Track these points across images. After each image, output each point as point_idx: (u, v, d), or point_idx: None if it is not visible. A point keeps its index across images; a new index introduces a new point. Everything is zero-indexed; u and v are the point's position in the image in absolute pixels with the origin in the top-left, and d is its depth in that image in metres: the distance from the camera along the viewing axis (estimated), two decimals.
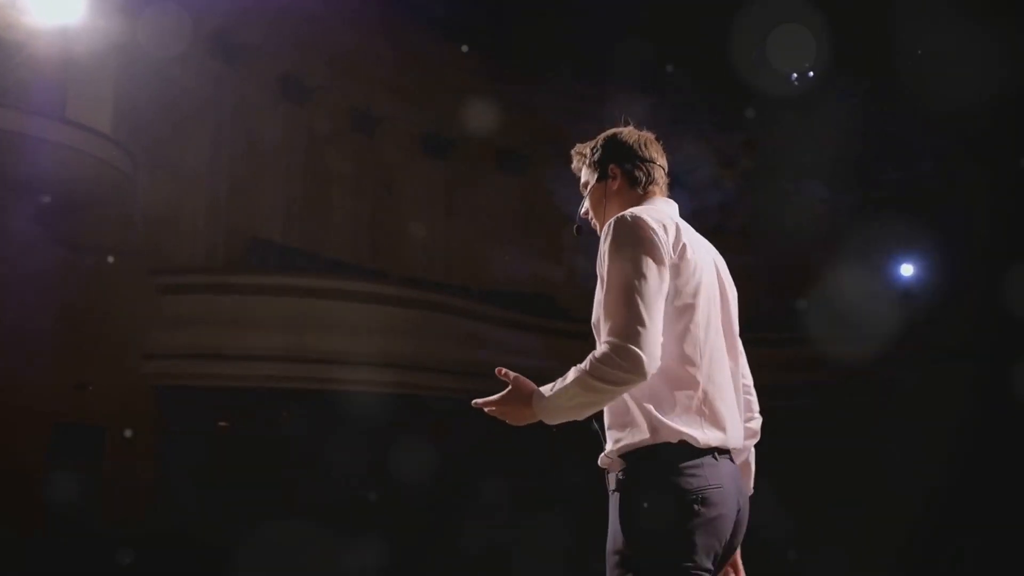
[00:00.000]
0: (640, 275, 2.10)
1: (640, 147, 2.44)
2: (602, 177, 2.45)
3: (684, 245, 2.19)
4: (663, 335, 2.10)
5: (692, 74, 12.28)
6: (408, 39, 13.58)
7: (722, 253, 2.43)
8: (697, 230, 2.34)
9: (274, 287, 10.84)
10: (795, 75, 11.16)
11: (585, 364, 2.07)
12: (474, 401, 2.27)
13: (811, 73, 11.16)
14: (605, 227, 2.22)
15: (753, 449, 2.42)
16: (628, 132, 2.48)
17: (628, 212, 2.21)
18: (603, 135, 2.49)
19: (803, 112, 12.13)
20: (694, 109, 12.53)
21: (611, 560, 2.16)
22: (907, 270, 13.60)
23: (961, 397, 10.34)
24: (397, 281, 12.02)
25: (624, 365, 2.02)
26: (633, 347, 2.02)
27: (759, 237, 13.54)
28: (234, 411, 11.36)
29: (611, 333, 2.07)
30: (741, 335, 2.37)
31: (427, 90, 14.11)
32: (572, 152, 2.53)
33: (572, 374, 2.09)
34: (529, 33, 13.25)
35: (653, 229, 2.16)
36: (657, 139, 2.51)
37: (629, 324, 2.05)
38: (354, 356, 11.12)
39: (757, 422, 2.43)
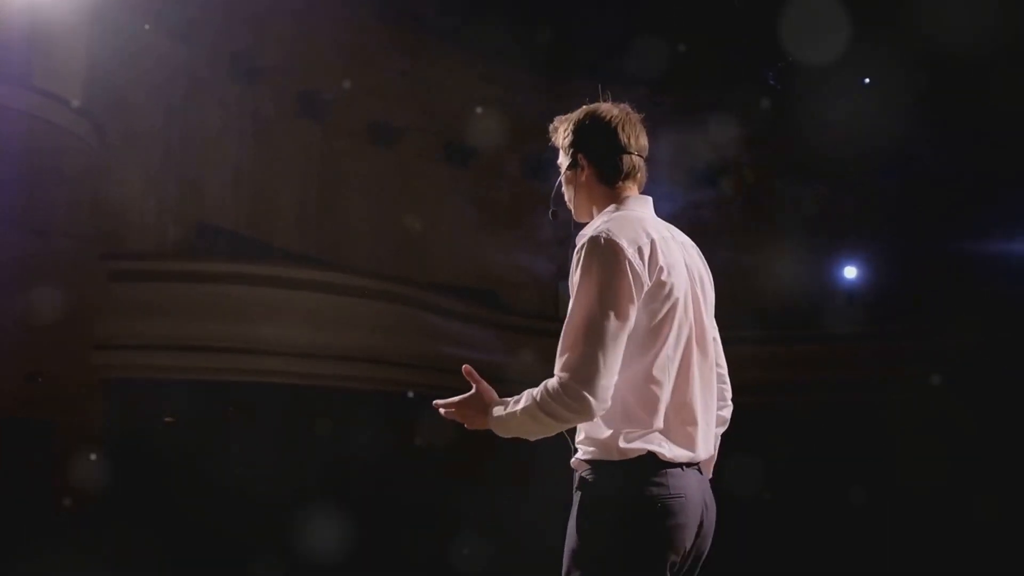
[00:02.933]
0: (606, 311, 2.07)
1: (617, 131, 2.32)
2: (572, 165, 2.37)
3: (660, 268, 2.16)
4: (633, 357, 2.12)
5: (701, 71, 12.37)
6: (353, 24, 13.30)
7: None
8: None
9: (234, 276, 10.39)
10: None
11: (536, 394, 2.10)
12: (435, 402, 2.31)
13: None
14: (579, 244, 2.18)
15: (720, 437, 2.42)
16: (604, 112, 2.35)
17: (603, 232, 2.14)
18: (579, 113, 2.38)
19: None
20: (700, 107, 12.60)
21: (566, 559, 2.16)
22: (850, 272, 13.77)
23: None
24: (368, 274, 11.68)
25: (573, 406, 2.05)
26: (585, 392, 2.04)
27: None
28: (184, 405, 10.87)
29: (566, 369, 2.07)
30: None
31: (376, 76, 13.84)
32: (551, 126, 2.43)
33: (524, 401, 2.13)
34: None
35: (629, 259, 2.10)
36: (641, 119, 2.38)
37: (585, 365, 2.05)
38: (313, 349, 10.84)
39: (728, 410, 2.44)
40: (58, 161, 8.66)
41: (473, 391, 2.28)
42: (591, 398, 2.04)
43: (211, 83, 11.75)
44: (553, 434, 2.19)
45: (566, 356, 2.09)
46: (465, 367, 2.30)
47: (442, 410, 2.31)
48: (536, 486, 7.58)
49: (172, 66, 10.84)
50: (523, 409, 2.13)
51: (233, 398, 10.96)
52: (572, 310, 2.13)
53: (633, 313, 2.11)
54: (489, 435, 2.32)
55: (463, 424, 2.30)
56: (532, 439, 2.22)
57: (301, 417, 11.13)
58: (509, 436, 2.23)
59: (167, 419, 11.18)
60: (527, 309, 14.34)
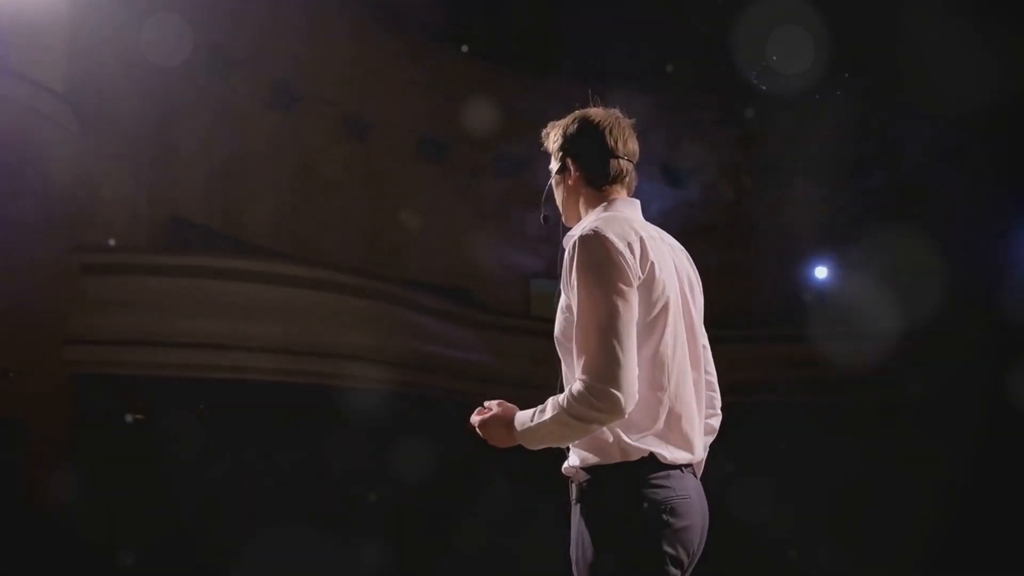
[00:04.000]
0: (612, 307, 2.07)
1: (605, 136, 2.33)
2: (561, 169, 2.38)
3: (651, 264, 2.15)
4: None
5: (692, 72, 12.36)
6: (325, 18, 13.13)
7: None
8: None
9: (210, 270, 10.14)
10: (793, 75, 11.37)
11: (563, 400, 2.08)
12: (471, 418, 2.31)
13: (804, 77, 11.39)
14: (570, 244, 2.17)
15: (707, 447, 2.40)
16: (593, 116, 2.36)
17: (593, 229, 2.14)
18: (570, 118, 2.39)
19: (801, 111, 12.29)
20: (693, 107, 12.59)
21: (580, 571, 2.14)
22: (821, 272, 13.77)
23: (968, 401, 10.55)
24: (345, 270, 11.48)
25: (601, 406, 2.03)
26: (612, 389, 2.02)
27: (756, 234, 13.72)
28: (154, 402, 10.59)
29: (587, 372, 2.06)
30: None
31: (349, 70, 13.68)
32: (543, 131, 2.44)
33: (550, 409, 2.11)
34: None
35: (620, 252, 2.10)
36: (632, 126, 2.39)
37: (606, 364, 2.04)
38: (289, 345, 10.63)
39: (717, 419, 2.43)
40: (32, 150, 8.37)
41: (493, 411, 2.26)
42: (618, 393, 2.02)
43: (186, 75, 11.47)
44: (585, 437, 2.14)
45: (584, 359, 2.07)
46: (483, 405, 2.31)
47: (474, 426, 2.31)
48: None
49: (148, 58, 10.55)
50: (552, 418, 2.10)
51: (207, 396, 10.71)
52: (579, 314, 2.10)
53: (635, 300, 2.10)
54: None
55: (488, 443, 2.29)
56: (562, 446, 2.21)
57: (276, 415, 10.91)
58: (539, 447, 2.20)
59: (136, 416, 10.93)
60: (500, 307, 14.26)
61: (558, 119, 2.44)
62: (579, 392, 2.05)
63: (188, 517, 9.74)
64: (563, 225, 2.42)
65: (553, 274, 2.27)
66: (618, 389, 2.02)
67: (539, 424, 2.13)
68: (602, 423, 2.07)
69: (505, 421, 2.22)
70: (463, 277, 14.53)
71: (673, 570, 2.09)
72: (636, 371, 2.07)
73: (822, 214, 13.60)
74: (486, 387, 12.04)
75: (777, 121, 13.03)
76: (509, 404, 2.27)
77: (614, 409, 2.03)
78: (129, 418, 10.22)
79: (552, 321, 2.27)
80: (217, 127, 12.23)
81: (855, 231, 12.87)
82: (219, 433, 10.33)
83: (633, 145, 2.37)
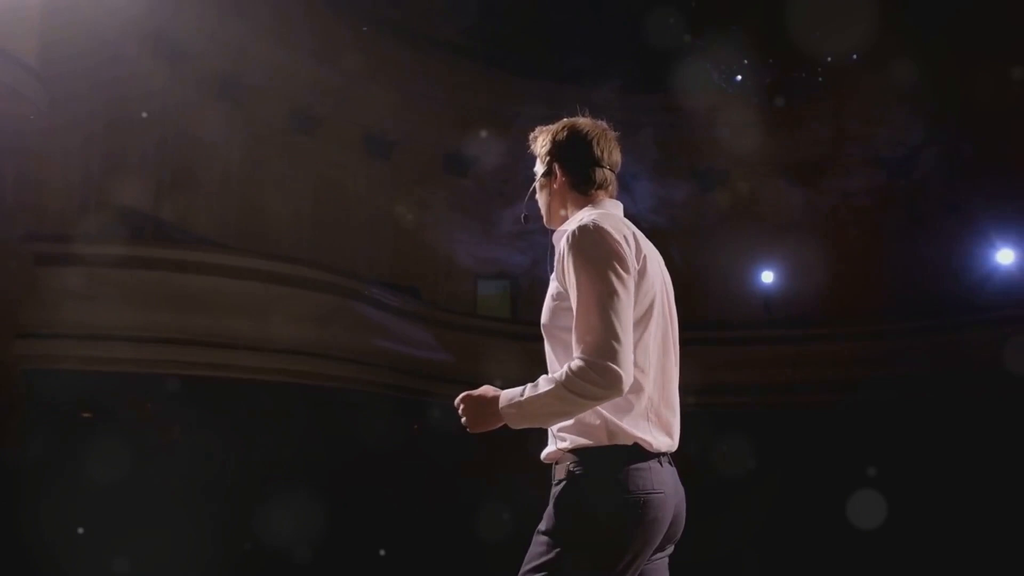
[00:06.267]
0: (612, 290, 2.13)
1: (592, 145, 2.43)
2: (547, 173, 2.48)
3: (645, 257, 2.26)
4: None
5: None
6: (279, 11, 12.84)
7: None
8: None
9: (170, 262, 9.79)
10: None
11: (561, 376, 2.11)
12: (456, 400, 2.31)
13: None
14: (566, 235, 2.23)
15: None
16: (582, 126, 2.46)
17: (589, 221, 2.22)
18: (558, 126, 2.49)
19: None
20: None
21: (539, 540, 2.20)
22: (767, 277, 13.91)
23: None
24: (314, 264, 11.23)
25: (602, 382, 2.07)
26: (612, 364, 2.07)
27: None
28: (103, 398, 10.18)
29: (588, 351, 2.10)
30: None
31: (298, 64, 13.38)
32: (530, 136, 2.53)
33: (544, 384, 2.14)
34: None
35: (618, 242, 2.19)
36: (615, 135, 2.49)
37: (606, 342, 2.08)
38: (243, 340, 10.36)
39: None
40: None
41: (475, 392, 2.27)
42: (620, 370, 2.06)
43: (136, 64, 11.07)
44: (578, 415, 2.17)
45: (587, 339, 2.10)
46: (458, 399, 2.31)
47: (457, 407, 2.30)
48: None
49: (98, 42, 10.13)
50: (549, 391, 2.11)
51: (159, 392, 10.35)
52: (580, 299, 2.14)
53: (632, 287, 2.17)
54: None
55: (468, 428, 2.29)
56: (549, 425, 2.23)
57: (229, 412, 10.63)
58: (525, 425, 2.20)
59: (84, 414, 10.49)
60: (447, 305, 14.17)
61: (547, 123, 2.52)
62: (579, 368, 2.08)
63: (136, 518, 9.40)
64: (543, 227, 2.50)
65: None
66: (618, 365, 2.06)
67: (532, 398, 2.15)
68: (600, 400, 2.10)
69: (488, 400, 2.24)
70: (409, 275, 14.39)
71: (630, 560, 2.15)
72: (632, 352, 2.12)
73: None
74: (431, 384, 12.05)
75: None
76: (487, 386, 2.28)
77: (614, 385, 2.07)
78: (81, 416, 9.83)
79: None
80: (166, 118, 11.84)
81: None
82: (179, 430, 10.03)
83: (617, 156, 2.46)
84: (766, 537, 10.02)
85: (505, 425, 2.24)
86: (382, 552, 10.44)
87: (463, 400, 2.29)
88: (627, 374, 2.08)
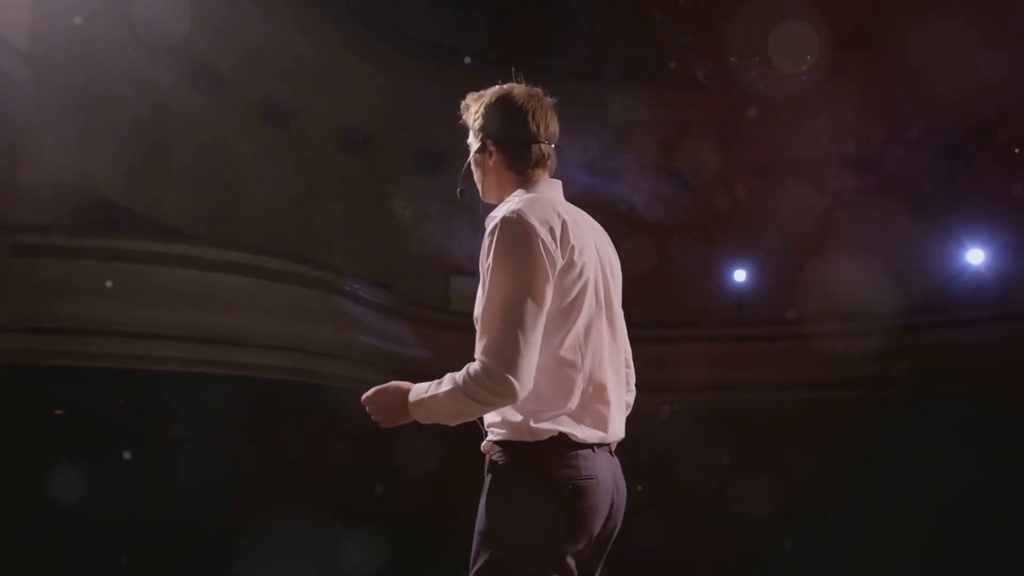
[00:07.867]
0: (524, 294, 2.07)
1: (527, 119, 2.30)
2: (481, 150, 2.36)
3: (572, 247, 2.16)
4: (545, 337, 2.12)
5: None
6: (256, 4, 12.63)
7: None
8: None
9: (149, 255, 9.52)
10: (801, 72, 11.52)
11: (459, 378, 2.08)
12: (363, 398, 2.27)
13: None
14: (491, 225, 2.16)
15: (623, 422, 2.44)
16: (516, 97, 2.32)
17: (516, 212, 2.13)
18: (491, 95, 2.35)
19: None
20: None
21: (476, 539, 2.16)
22: (740, 276, 13.86)
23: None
24: (301, 260, 11.01)
25: (496, 389, 2.04)
26: (508, 375, 2.03)
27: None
28: (77, 396, 9.87)
29: (487, 353, 2.06)
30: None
31: (271, 56, 13.18)
32: (461, 104, 2.41)
33: (447, 384, 2.11)
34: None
35: (542, 238, 2.10)
36: (551, 102, 2.36)
37: (506, 349, 2.04)
38: (224, 334, 10.14)
39: (631, 396, 2.48)
40: None
41: (385, 387, 2.24)
42: (515, 381, 2.02)
43: (114, 54, 10.78)
44: (474, 418, 2.16)
45: (486, 340, 2.06)
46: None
47: (368, 409, 2.26)
48: None
49: (80, 32, 9.85)
50: (447, 392, 2.09)
51: (133, 388, 10.08)
52: (489, 293, 2.09)
53: (549, 293, 2.10)
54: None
55: (380, 424, 2.25)
56: (453, 423, 2.18)
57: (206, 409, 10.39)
58: (430, 421, 2.19)
59: (56, 412, 10.17)
60: (420, 301, 14.05)
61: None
62: (476, 373, 2.04)
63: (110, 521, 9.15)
64: (482, 204, 2.38)
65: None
66: (515, 376, 2.02)
67: (432, 396, 2.12)
68: (494, 406, 2.08)
69: (399, 394, 2.20)
70: (382, 271, 14.24)
71: (568, 549, 2.11)
72: (535, 362, 2.07)
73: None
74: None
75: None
76: (399, 381, 2.24)
77: (508, 395, 2.03)
78: (55, 412, 9.51)
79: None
80: (140, 108, 11.55)
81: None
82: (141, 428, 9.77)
83: (554, 127, 2.34)
84: None
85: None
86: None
87: (370, 400, 2.23)
88: (523, 385, 2.04)
